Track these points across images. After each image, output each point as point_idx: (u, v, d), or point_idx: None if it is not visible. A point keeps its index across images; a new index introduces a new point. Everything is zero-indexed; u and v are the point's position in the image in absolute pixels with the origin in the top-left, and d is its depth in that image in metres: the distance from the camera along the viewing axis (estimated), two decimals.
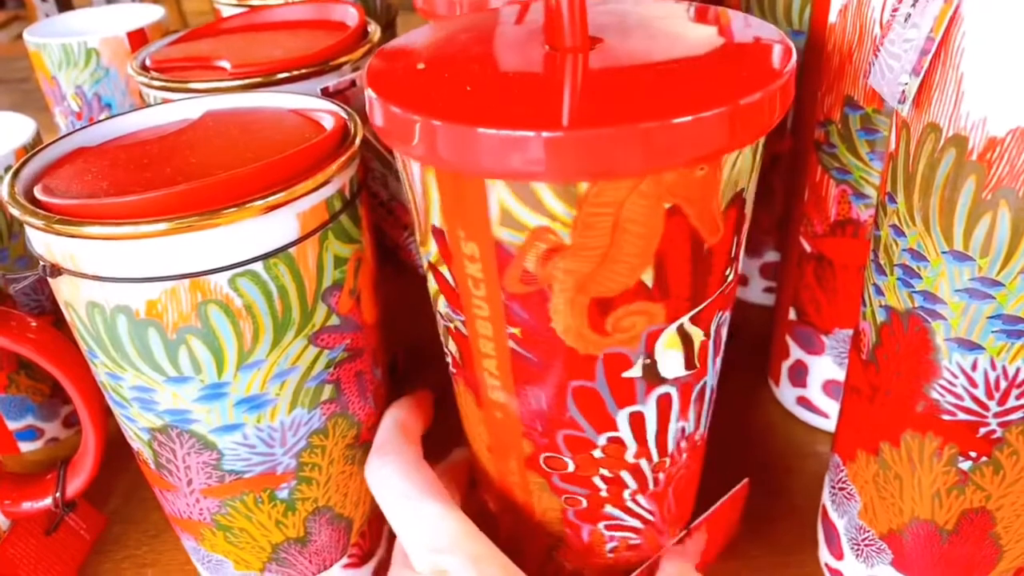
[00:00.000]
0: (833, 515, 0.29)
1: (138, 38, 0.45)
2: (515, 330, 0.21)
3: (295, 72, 0.30)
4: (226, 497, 0.26)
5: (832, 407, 0.37)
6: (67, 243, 0.21)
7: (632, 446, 0.23)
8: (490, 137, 0.17)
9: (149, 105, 0.28)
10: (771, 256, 0.45)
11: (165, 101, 0.29)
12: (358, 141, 0.24)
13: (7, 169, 0.24)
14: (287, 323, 0.23)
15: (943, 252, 0.21)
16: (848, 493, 0.28)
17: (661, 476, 0.25)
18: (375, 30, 0.35)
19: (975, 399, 0.22)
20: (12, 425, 0.39)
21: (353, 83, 0.31)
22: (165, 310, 0.22)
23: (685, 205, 0.19)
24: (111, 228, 0.20)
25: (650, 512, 0.26)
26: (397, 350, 0.38)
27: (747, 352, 0.41)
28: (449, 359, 0.25)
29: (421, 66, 0.21)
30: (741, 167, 0.20)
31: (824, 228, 0.33)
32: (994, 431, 0.22)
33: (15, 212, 0.22)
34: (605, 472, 0.24)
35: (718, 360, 0.24)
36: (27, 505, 0.31)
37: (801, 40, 0.35)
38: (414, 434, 0.27)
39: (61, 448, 0.41)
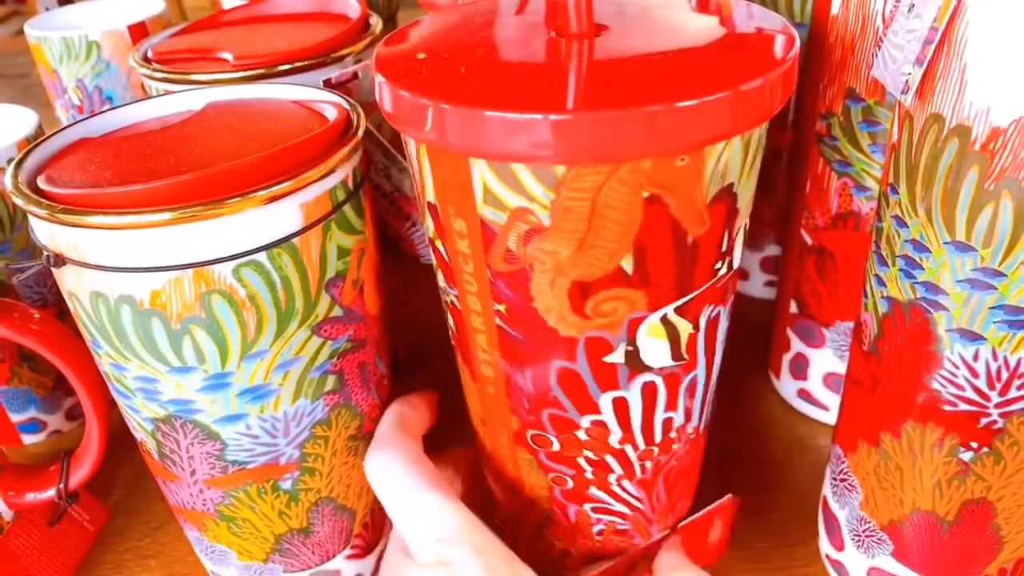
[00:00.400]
0: (834, 506, 0.29)
1: (139, 31, 0.45)
2: (501, 307, 0.22)
3: (297, 64, 0.30)
4: (229, 487, 0.26)
5: (833, 400, 0.37)
6: (71, 233, 0.21)
7: (616, 431, 0.24)
8: (471, 116, 0.18)
9: (151, 97, 0.28)
10: (772, 250, 0.45)
11: (167, 93, 0.29)
12: (361, 132, 0.24)
13: (9, 161, 0.24)
14: (290, 313, 0.23)
15: (945, 243, 0.21)
16: (849, 484, 0.28)
17: (648, 464, 0.25)
18: (377, 22, 0.35)
19: (976, 390, 0.22)
20: (15, 418, 0.39)
21: (355, 75, 0.31)
22: (169, 300, 0.22)
23: (665, 195, 0.19)
24: (115, 218, 0.20)
25: (638, 499, 0.26)
26: (399, 342, 0.38)
27: (748, 345, 0.41)
28: (450, 333, 0.26)
29: (421, 55, 0.21)
30: (729, 160, 0.20)
31: (825, 221, 0.33)
32: (995, 421, 0.23)
33: (19, 202, 0.22)
34: (590, 454, 0.24)
35: (715, 355, 0.24)
36: (30, 496, 0.31)
37: (803, 32, 0.35)
38: (414, 429, 0.27)
39: (64, 440, 0.41)
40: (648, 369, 0.22)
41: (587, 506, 0.26)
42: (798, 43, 0.20)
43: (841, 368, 0.36)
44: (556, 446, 0.24)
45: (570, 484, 0.25)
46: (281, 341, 0.23)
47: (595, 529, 0.27)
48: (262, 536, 0.28)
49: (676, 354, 0.22)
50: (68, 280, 0.23)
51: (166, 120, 0.26)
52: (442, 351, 0.27)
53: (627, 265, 0.20)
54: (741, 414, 0.39)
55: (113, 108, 0.27)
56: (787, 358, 0.38)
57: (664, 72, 0.19)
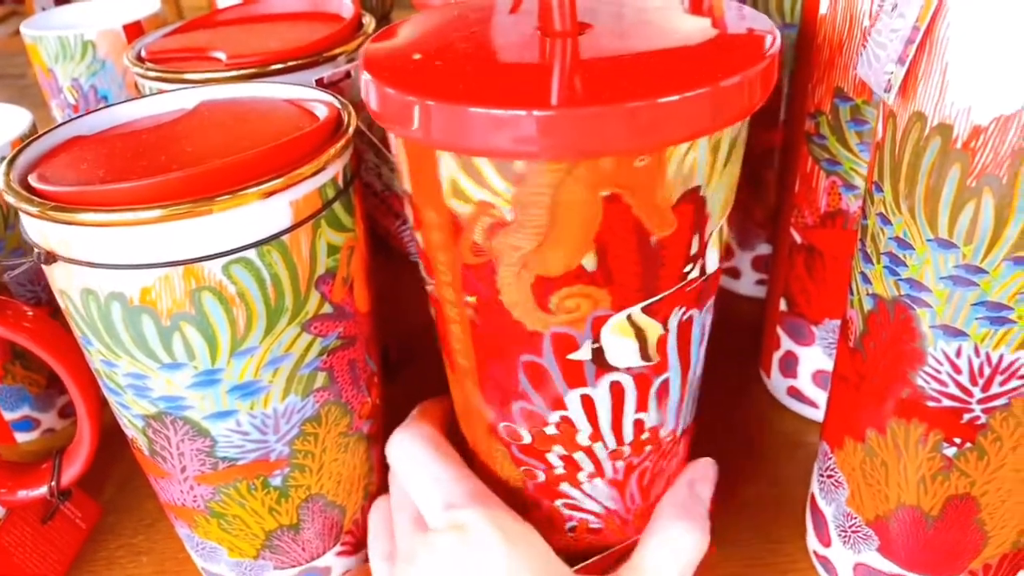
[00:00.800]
0: (821, 502, 0.29)
1: (134, 31, 0.46)
2: (471, 298, 0.22)
3: (290, 63, 0.30)
4: (219, 484, 0.26)
5: (822, 397, 0.37)
6: (61, 230, 0.21)
7: (585, 428, 0.24)
8: (438, 111, 0.18)
9: (144, 96, 0.29)
10: (763, 249, 0.46)
11: (161, 92, 0.29)
12: (351, 130, 0.24)
13: (2, 160, 0.25)
14: (280, 310, 0.23)
15: (928, 240, 0.21)
16: (836, 480, 0.28)
17: (620, 465, 0.25)
18: (370, 22, 0.35)
19: (959, 385, 0.23)
20: (8, 415, 0.39)
21: (348, 74, 0.32)
22: (159, 297, 0.22)
23: (625, 194, 0.19)
24: (105, 215, 0.21)
25: (610, 499, 0.26)
26: (389, 340, 0.38)
27: (740, 343, 0.42)
28: (435, 325, 0.26)
29: (418, 55, 0.21)
30: (695, 163, 0.20)
31: (815, 219, 0.33)
32: (978, 417, 0.23)
33: (10, 199, 0.22)
34: (560, 450, 0.25)
35: (691, 358, 0.24)
36: (23, 494, 0.31)
37: (792, 33, 0.35)
38: (436, 416, 0.29)
39: (57, 438, 0.41)
40: (614, 368, 0.23)
41: (558, 502, 0.26)
42: (778, 45, 0.20)
43: (830, 365, 0.36)
44: (527, 439, 0.25)
45: (541, 478, 0.26)
46: (271, 338, 0.24)
47: (567, 526, 0.27)
48: (252, 532, 0.28)
49: (645, 355, 0.23)
50: (59, 277, 0.23)
51: (159, 119, 0.27)
52: (432, 348, 0.27)
53: (589, 263, 0.20)
54: (732, 411, 0.40)
55: (106, 106, 0.27)
56: (777, 356, 0.39)
57: (634, 72, 0.19)
